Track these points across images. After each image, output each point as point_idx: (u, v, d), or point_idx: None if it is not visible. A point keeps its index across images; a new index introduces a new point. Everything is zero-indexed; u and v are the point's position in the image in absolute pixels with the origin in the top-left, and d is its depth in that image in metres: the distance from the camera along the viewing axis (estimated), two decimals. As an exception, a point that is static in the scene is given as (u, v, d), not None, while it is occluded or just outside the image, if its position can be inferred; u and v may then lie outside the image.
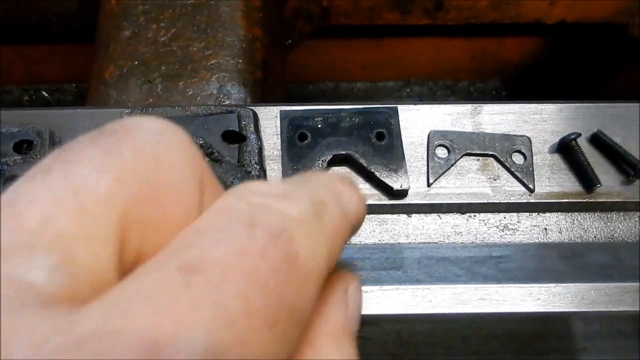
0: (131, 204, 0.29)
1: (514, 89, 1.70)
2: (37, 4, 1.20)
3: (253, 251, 0.27)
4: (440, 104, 0.69)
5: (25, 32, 1.28)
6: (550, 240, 0.65)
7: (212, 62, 0.96)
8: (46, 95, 1.68)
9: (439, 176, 0.66)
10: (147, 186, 0.30)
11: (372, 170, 0.63)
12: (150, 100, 0.92)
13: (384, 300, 0.55)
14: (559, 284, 0.56)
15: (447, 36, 1.51)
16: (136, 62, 0.96)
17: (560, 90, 1.61)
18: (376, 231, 0.65)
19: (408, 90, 1.74)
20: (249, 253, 0.27)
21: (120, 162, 0.30)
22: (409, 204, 0.65)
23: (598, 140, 0.67)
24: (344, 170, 0.66)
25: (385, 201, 0.65)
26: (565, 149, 0.66)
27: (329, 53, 1.58)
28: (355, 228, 0.38)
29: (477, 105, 0.69)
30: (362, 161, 0.64)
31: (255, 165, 0.62)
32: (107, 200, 0.29)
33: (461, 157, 0.67)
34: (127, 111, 0.65)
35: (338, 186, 0.36)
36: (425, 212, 0.66)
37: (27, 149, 0.65)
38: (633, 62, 1.37)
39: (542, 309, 0.55)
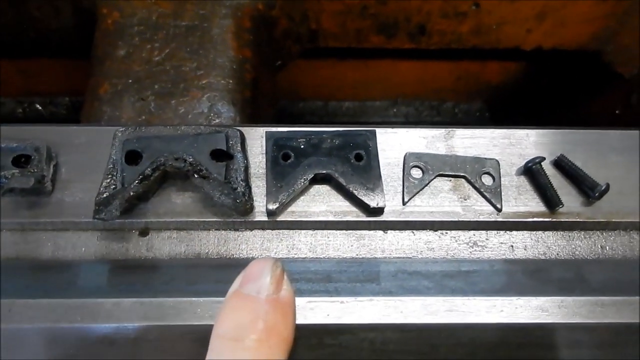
0: None
1: (496, 110, 1.75)
2: (36, 20, 1.23)
3: None
4: (415, 127, 0.73)
5: (22, 46, 1.31)
6: (516, 257, 0.69)
7: (204, 82, 1.00)
8: (40, 108, 1.70)
9: (414, 195, 0.70)
10: None
11: (351, 189, 0.67)
12: (143, 117, 0.96)
13: (359, 310, 0.59)
14: (521, 297, 0.60)
15: (433, 59, 1.55)
16: (130, 80, 0.99)
17: (540, 112, 1.66)
18: (354, 246, 0.69)
19: (395, 110, 1.77)
20: None
21: None
22: (385, 221, 0.69)
23: (561, 164, 0.71)
24: (324, 188, 0.70)
25: (363, 218, 0.69)
26: (531, 171, 0.71)
27: (319, 73, 1.62)
28: None
29: (450, 129, 0.73)
30: (342, 180, 0.67)
31: (242, 182, 0.66)
32: None
33: (434, 177, 0.71)
34: (121, 129, 0.69)
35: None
36: (400, 229, 0.70)
37: (25, 163, 0.68)
38: (607, 86, 1.42)
39: (505, 320, 0.59)
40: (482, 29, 1.26)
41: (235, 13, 1.07)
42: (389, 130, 0.73)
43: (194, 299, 0.58)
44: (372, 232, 0.70)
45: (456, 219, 0.69)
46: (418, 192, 0.70)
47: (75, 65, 1.47)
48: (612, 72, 1.34)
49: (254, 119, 1.04)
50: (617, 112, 1.39)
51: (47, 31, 1.25)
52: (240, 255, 0.68)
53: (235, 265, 0.66)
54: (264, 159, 0.70)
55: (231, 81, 1.01)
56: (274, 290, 0.49)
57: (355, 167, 0.69)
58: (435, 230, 0.70)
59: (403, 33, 1.28)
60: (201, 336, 0.57)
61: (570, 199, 0.70)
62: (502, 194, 0.70)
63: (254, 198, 0.68)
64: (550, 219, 0.70)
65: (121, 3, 1.06)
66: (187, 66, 1.02)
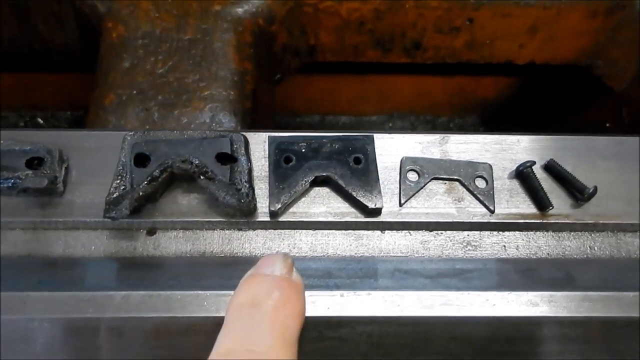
0: None
1: (490, 124, 1.78)
2: (40, 32, 1.26)
3: None
4: (412, 133, 0.76)
5: (27, 59, 1.33)
6: (508, 256, 0.72)
7: (206, 93, 1.03)
8: (41, 121, 1.72)
9: (410, 197, 0.73)
10: None
11: (350, 191, 0.70)
12: (147, 126, 0.99)
13: (358, 304, 0.61)
14: (513, 292, 0.63)
15: (428, 74, 1.59)
16: (134, 91, 1.02)
17: (533, 125, 1.69)
18: (352, 245, 0.72)
19: (391, 124, 1.80)
20: None
21: None
22: (382, 222, 0.72)
23: (551, 168, 0.75)
24: (324, 190, 0.73)
25: (361, 219, 0.72)
26: (522, 175, 0.74)
27: (316, 87, 1.65)
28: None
29: (444, 135, 0.76)
30: (341, 182, 0.70)
31: (245, 184, 0.69)
32: None
33: (430, 180, 0.74)
34: (130, 134, 0.72)
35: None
36: (397, 229, 0.73)
37: (38, 165, 0.71)
38: (599, 100, 1.46)
39: (497, 314, 0.62)
40: (476, 44, 1.30)
41: (236, 27, 1.10)
42: (386, 135, 0.76)
43: (200, 292, 0.60)
44: (370, 232, 0.73)
45: (451, 220, 0.72)
46: (414, 194, 0.73)
47: (76, 79, 1.50)
48: (603, 86, 1.38)
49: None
50: (607, 125, 1.43)
51: (52, 44, 1.28)
52: (244, 254, 0.71)
53: (238, 264, 0.69)
54: (267, 163, 0.73)
55: (232, 92, 1.04)
56: (286, 273, 0.51)
57: (354, 170, 0.72)
58: (431, 231, 0.73)
59: (399, 48, 1.32)
60: (208, 328, 0.60)
61: (560, 202, 0.73)
62: (495, 196, 0.74)
63: (257, 199, 0.71)
64: (540, 220, 0.73)
65: (126, 17, 1.10)
66: (189, 78, 1.05)
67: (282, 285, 0.49)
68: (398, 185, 0.73)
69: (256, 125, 1.09)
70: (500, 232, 0.73)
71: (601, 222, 0.73)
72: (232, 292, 0.60)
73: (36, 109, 1.70)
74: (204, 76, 1.05)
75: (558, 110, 1.64)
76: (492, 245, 0.73)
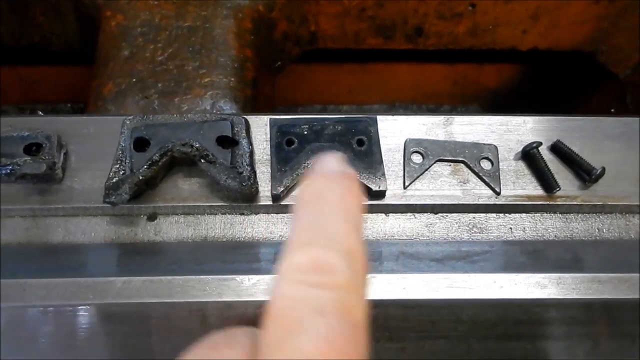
0: None
1: (493, 113, 1.76)
2: (39, 25, 1.25)
3: (332, 336, 0.39)
4: (415, 114, 0.75)
5: (26, 52, 1.33)
6: (515, 239, 0.71)
7: (206, 80, 1.02)
8: (41, 114, 1.72)
9: (414, 179, 0.72)
10: None
11: (353, 173, 0.69)
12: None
13: (362, 287, 0.60)
14: (520, 274, 0.62)
15: (430, 61, 1.58)
16: (134, 80, 1.01)
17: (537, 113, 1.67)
18: (356, 229, 0.71)
19: (393, 113, 1.79)
20: (330, 340, 0.38)
21: None
22: (386, 204, 0.71)
23: (558, 149, 0.73)
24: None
25: (365, 201, 0.70)
26: (528, 156, 0.73)
27: (317, 77, 1.64)
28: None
29: (449, 116, 0.75)
30: (344, 165, 0.69)
31: (247, 167, 0.68)
32: None
33: (434, 162, 0.73)
34: (129, 118, 0.71)
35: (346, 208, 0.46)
36: (401, 212, 0.72)
37: (36, 151, 0.70)
38: (602, 86, 1.45)
39: (504, 296, 0.61)
40: (478, 30, 1.29)
41: (236, 14, 1.09)
42: (390, 117, 0.75)
43: (202, 276, 0.59)
44: (374, 215, 0.71)
45: (456, 202, 0.71)
46: (418, 176, 0.72)
47: (75, 73, 1.49)
48: (607, 72, 1.37)
49: (255, 117, 1.06)
50: (612, 111, 1.41)
51: (51, 36, 1.28)
52: (246, 238, 0.70)
53: (241, 248, 0.68)
54: (268, 146, 0.72)
55: (233, 79, 1.03)
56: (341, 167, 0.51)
57: (357, 152, 0.70)
58: (436, 213, 0.72)
59: (400, 34, 1.31)
60: (210, 313, 0.59)
61: (567, 183, 0.72)
62: (501, 178, 0.72)
63: (259, 183, 0.70)
64: (548, 202, 0.72)
65: (125, 6, 1.08)
66: (189, 65, 1.04)
67: (340, 178, 0.49)
68: (402, 168, 0.72)
69: (257, 112, 1.08)
70: (507, 214, 0.72)
71: (609, 203, 0.72)
72: (234, 277, 0.59)
73: (36, 102, 1.69)
74: (204, 63, 1.04)
75: (561, 97, 1.62)
76: (498, 227, 0.72)
